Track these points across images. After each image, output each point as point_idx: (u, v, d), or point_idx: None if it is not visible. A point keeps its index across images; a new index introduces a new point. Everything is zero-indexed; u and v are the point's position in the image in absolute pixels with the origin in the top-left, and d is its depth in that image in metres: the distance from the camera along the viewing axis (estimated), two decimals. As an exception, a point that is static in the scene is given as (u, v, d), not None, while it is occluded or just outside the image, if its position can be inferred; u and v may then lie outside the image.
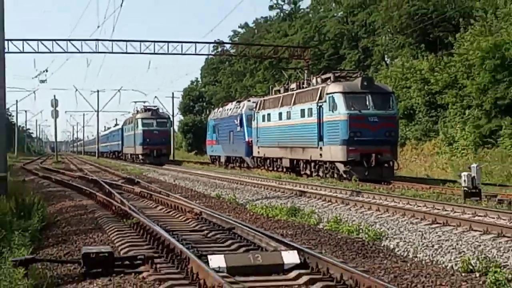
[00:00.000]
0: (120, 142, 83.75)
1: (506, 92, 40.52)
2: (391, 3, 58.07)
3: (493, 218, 15.98)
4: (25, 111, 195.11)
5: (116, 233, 14.57)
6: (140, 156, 63.75)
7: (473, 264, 10.72)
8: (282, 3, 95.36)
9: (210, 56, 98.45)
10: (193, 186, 29.57)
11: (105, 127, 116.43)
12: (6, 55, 21.80)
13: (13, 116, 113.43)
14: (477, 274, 10.33)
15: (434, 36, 56.44)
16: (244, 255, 10.88)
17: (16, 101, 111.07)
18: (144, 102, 76.03)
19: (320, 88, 32.94)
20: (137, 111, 71.38)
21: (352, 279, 9.09)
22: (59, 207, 21.22)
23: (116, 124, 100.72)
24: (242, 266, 10.18)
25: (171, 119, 77.77)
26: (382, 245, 13.43)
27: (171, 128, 69.73)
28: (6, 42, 25.77)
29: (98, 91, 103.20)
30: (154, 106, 72.66)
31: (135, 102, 77.90)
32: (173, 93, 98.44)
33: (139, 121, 62.83)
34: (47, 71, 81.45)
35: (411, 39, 57.73)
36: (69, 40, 47.60)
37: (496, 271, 9.97)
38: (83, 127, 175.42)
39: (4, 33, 20.56)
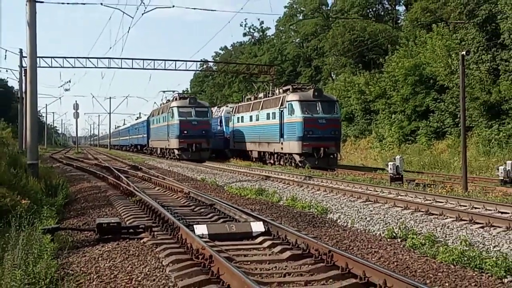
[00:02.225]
0: (145, 135, 60.64)
1: (422, 101, 41.37)
2: (336, 33, 58.41)
3: (412, 197, 16.18)
4: (53, 113, 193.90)
5: (123, 208, 14.58)
6: (176, 151, 41.69)
7: (396, 232, 10.91)
8: (253, 31, 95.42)
9: (197, 72, 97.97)
10: (183, 172, 29.55)
11: (115, 126, 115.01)
12: (38, 69, 21.71)
13: (43, 116, 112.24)
14: (399, 240, 10.57)
15: (369, 58, 56.83)
16: (222, 225, 10.95)
17: (46, 105, 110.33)
18: (174, 91, 53.83)
19: (281, 97, 33.55)
20: (169, 100, 48.53)
21: (304, 243, 9.17)
22: (79, 188, 21.12)
23: (138, 118, 77.98)
24: (220, 233, 10.27)
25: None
26: (328, 217, 13.54)
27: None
28: (38, 59, 25.57)
29: (110, 98, 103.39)
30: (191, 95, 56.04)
31: (164, 91, 55.68)
32: (167, 100, 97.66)
33: (175, 110, 40.80)
34: (70, 81, 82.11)
35: (351, 60, 58.03)
36: (88, 58, 47.86)
37: (413, 237, 10.18)
38: (98, 125, 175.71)
39: (37, 52, 20.43)
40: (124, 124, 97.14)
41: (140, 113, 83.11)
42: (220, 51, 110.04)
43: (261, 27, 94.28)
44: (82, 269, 8.23)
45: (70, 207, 15.71)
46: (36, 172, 19.60)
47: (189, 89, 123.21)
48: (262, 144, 37.35)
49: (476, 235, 10.51)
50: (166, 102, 48.99)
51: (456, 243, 9.65)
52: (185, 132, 40.42)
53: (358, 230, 11.83)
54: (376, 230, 11.59)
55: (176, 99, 44.18)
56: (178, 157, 41.39)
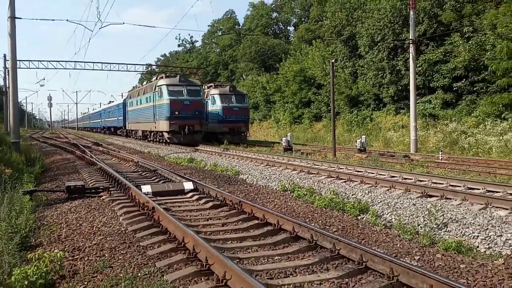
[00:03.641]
0: (120, 118, 46.15)
1: (306, 94, 42.16)
2: (245, 45, 58.53)
3: (298, 162, 16.50)
4: (32, 103, 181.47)
5: (87, 174, 14.02)
6: (166, 135, 28.84)
7: (287, 187, 11.07)
8: (185, 43, 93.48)
9: (143, 72, 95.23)
10: (134, 147, 28.70)
11: (82, 112, 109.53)
12: (18, 69, 20.57)
13: (24, 106, 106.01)
14: (289, 192, 10.72)
15: (269, 64, 57.28)
16: (162, 185, 10.77)
17: (26, 97, 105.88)
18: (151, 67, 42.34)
19: (206, 92, 32.32)
20: (155, 79, 32.89)
21: (222, 196, 9.19)
22: (52, 159, 20.09)
23: (111, 102, 61.27)
24: (161, 191, 10.11)
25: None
26: (239, 177, 13.59)
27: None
28: (18, 62, 24.14)
29: (76, 91, 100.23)
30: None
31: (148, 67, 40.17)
32: (122, 94, 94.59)
33: (164, 89, 28.33)
34: (44, 79, 77.53)
35: (256, 65, 58.40)
36: (58, 61, 45.51)
37: (298, 190, 10.39)
38: (68, 112, 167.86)
39: (16, 56, 19.35)
40: (94, 109, 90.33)
41: (88, 109, 75.98)
42: (161, 57, 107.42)
43: (191, 40, 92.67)
44: (54, 220, 7.88)
45: (45, 174, 14.95)
46: (19, 148, 18.73)
47: (139, 86, 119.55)
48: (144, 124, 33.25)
49: (341, 187, 10.87)
50: (149, 82, 34.26)
51: (327, 193, 9.94)
52: (176, 113, 28.16)
53: (261, 186, 11.94)
54: (273, 186, 11.76)
55: (163, 78, 30.23)
56: (168, 140, 28.40)
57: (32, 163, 15.80)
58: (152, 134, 31.48)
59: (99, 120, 63.74)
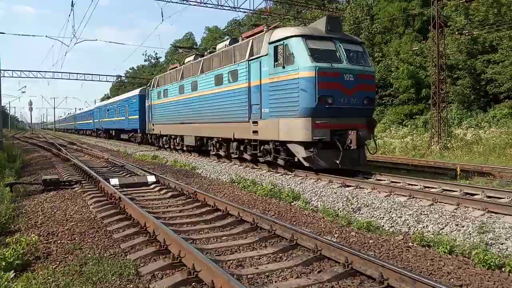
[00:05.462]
0: (135, 117, 25.74)
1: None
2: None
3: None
4: (14, 107, 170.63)
5: (62, 169, 13.34)
6: (301, 152, 9.29)
7: (235, 179, 11.01)
8: (151, 58, 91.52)
9: (114, 82, 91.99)
10: (105, 146, 27.60)
11: (59, 116, 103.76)
12: (2, 78, 19.29)
13: (7, 109, 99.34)
14: (236, 184, 10.62)
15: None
16: (128, 178, 10.44)
17: (9, 102, 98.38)
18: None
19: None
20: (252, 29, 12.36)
21: (180, 187, 9.03)
22: (32, 156, 18.93)
23: (105, 99, 45.44)
24: (127, 183, 9.80)
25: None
26: (196, 172, 13.36)
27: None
28: (2, 72, 22.66)
29: (54, 98, 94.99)
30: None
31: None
32: (95, 100, 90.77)
33: (298, 46, 8.80)
34: (25, 86, 73.39)
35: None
36: (38, 71, 43.46)
37: (244, 182, 10.35)
38: (46, 116, 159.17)
39: (0, 66, 18.17)
40: (69, 113, 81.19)
41: (65, 113, 67.93)
42: (130, 70, 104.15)
43: (156, 56, 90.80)
44: (31, 209, 7.42)
45: (25, 169, 14.05)
46: (1, 146, 17.57)
47: (109, 95, 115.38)
48: (205, 127, 15.23)
49: (278, 179, 10.90)
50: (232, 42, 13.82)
51: (268, 184, 10.00)
52: (330, 100, 9.60)
53: (213, 179, 11.80)
54: (224, 178, 11.64)
55: (286, 27, 11.58)
56: (307, 164, 10.06)
57: (13, 159, 14.85)
58: (236, 146, 13.48)
59: (90, 121, 45.37)
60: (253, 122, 11.79)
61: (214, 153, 15.48)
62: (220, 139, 14.66)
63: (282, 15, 24.62)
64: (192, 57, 17.85)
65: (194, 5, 20.82)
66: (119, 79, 67.77)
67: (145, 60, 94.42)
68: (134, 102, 26.60)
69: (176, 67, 19.31)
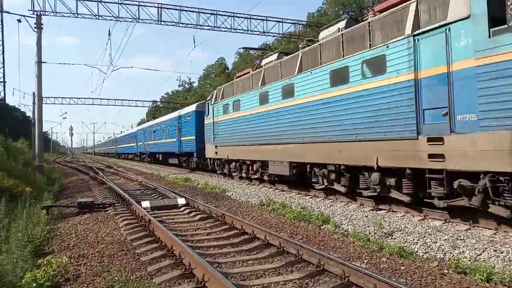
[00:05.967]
0: (191, 138, 21.09)
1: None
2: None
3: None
4: (56, 133, 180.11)
5: (98, 192, 13.82)
6: None
7: (264, 202, 10.92)
8: (184, 83, 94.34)
9: (150, 107, 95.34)
10: (140, 169, 28.33)
11: (98, 140, 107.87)
12: (44, 105, 20.40)
13: (49, 135, 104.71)
14: (265, 206, 10.55)
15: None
16: (160, 200, 10.62)
17: (51, 127, 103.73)
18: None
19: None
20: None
21: (208, 210, 9.08)
22: (70, 180, 19.73)
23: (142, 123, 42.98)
24: (158, 206, 9.97)
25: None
26: (226, 194, 13.39)
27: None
28: (44, 98, 23.98)
29: (94, 123, 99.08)
30: None
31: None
32: (132, 125, 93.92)
33: None
34: (66, 112, 77.42)
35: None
36: (77, 98, 45.59)
37: (273, 205, 10.27)
38: (86, 140, 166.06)
39: (42, 94, 19.26)
40: (109, 137, 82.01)
41: (143, 119, 65.16)
42: (164, 95, 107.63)
43: (189, 81, 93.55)
44: (66, 231, 7.68)
45: (63, 192, 14.63)
46: (42, 170, 18.51)
47: (145, 119, 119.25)
48: (311, 149, 10.50)
49: (308, 202, 10.76)
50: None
51: (297, 207, 9.87)
52: None
53: (243, 201, 11.76)
54: (253, 201, 11.58)
55: None
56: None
57: (52, 182, 15.50)
58: (379, 178, 8.50)
59: (133, 144, 41.00)
60: (430, 140, 7.07)
61: (322, 186, 10.53)
62: (341, 167, 9.57)
63: (314, 38, 24.75)
64: (274, 56, 13.54)
65: (225, 31, 21.39)
66: (154, 104, 69.88)
67: (179, 85, 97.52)
68: (188, 120, 22.15)
69: (249, 72, 14.71)
